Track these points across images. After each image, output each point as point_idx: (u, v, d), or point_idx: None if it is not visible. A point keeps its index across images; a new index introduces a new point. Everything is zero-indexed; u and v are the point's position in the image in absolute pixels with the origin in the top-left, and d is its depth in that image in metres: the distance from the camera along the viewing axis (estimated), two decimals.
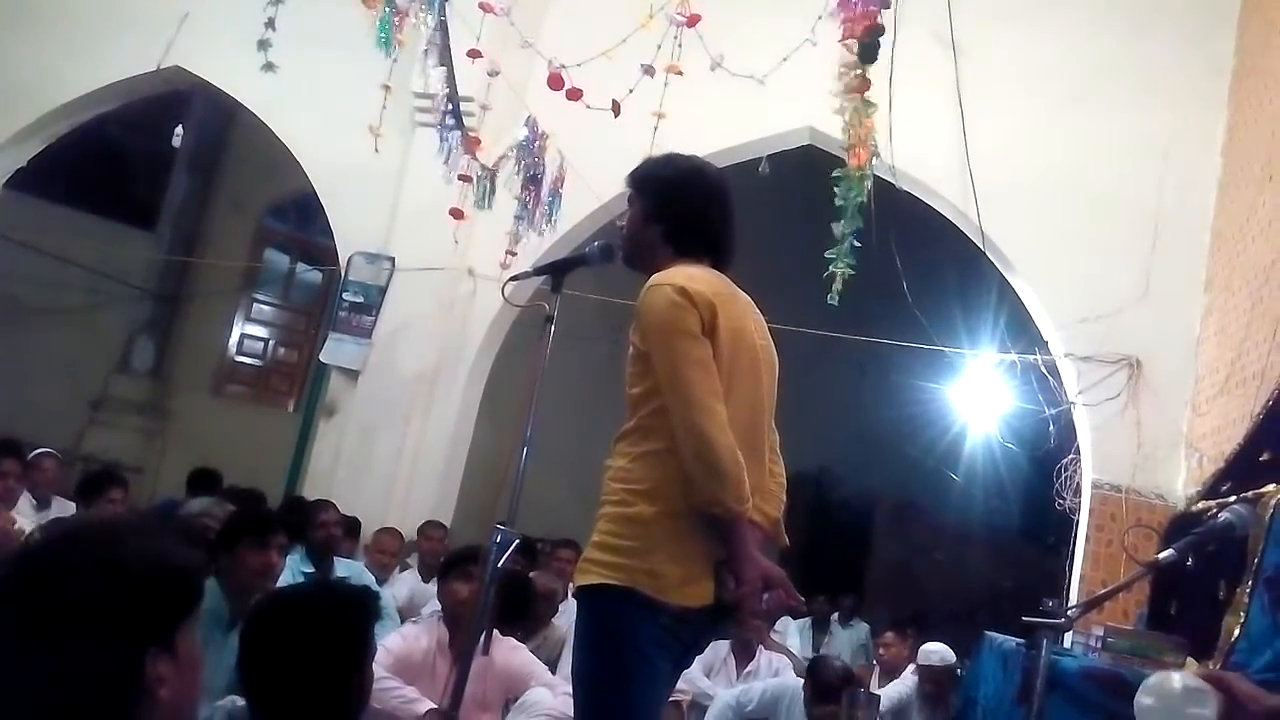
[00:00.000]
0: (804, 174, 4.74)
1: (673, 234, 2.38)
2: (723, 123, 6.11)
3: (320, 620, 2.05)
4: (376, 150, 5.50)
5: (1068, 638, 3.26)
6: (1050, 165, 5.78)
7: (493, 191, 5.98)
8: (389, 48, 5.13)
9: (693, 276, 2.26)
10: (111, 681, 1.12)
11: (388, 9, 5.05)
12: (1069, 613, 2.42)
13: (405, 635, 3.68)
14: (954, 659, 4.97)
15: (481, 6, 5.17)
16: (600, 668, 2.19)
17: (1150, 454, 5.36)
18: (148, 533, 1.24)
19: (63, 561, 1.16)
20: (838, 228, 4.37)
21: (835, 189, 4.38)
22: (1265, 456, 3.55)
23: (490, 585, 2.42)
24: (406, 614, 4.79)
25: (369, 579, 4.99)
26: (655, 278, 2.27)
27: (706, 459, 2.10)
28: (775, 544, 2.38)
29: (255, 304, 10.84)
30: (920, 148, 5.73)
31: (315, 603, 2.14)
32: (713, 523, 2.15)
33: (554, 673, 3.91)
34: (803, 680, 4.21)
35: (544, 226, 6.15)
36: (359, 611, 2.13)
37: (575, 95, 5.07)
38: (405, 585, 5.56)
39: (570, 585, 4.35)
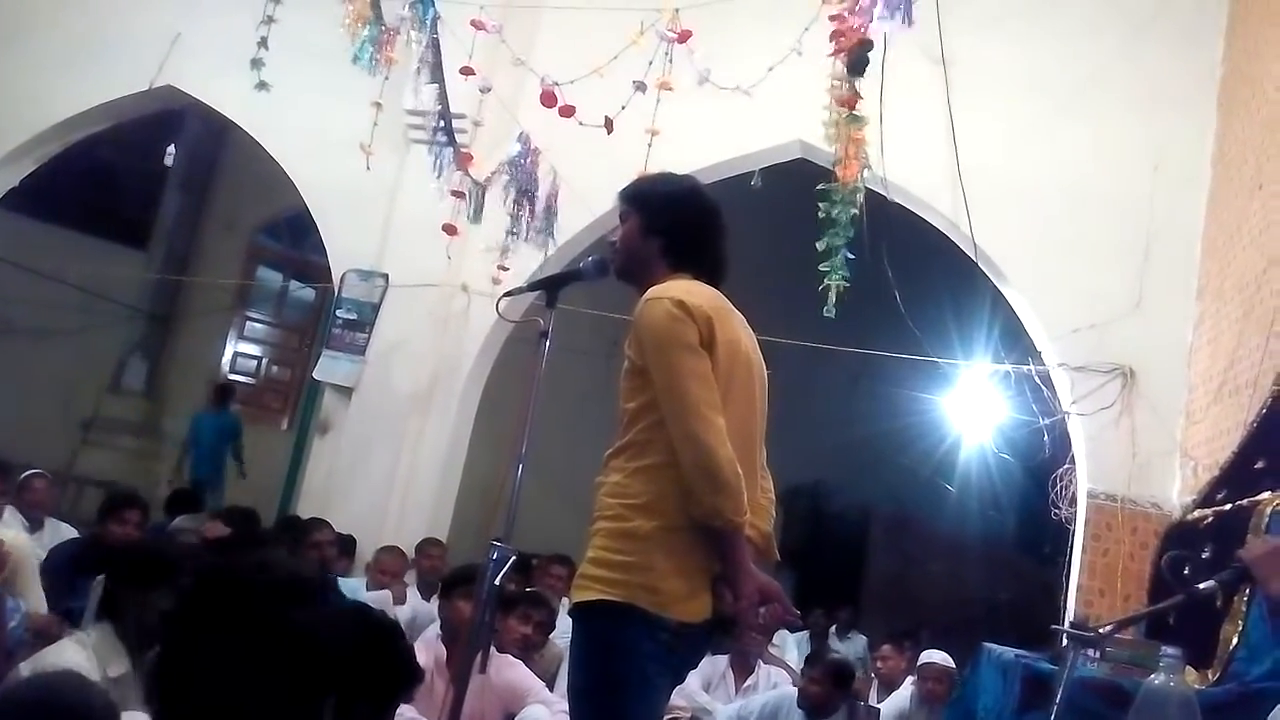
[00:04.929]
0: (796, 187, 4.76)
1: (671, 248, 2.38)
2: (715, 137, 6.14)
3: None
4: (369, 167, 5.52)
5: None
6: (1041, 176, 5.80)
7: (485, 208, 5.99)
8: (372, 66, 5.16)
9: (690, 290, 2.26)
10: (303, 704, 1.25)
11: (372, 28, 5.08)
12: (1102, 629, 2.39)
13: None
14: (954, 667, 4.95)
15: (473, 24, 5.20)
16: (598, 685, 2.18)
17: (1145, 463, 5.36)
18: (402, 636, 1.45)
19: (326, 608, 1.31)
20: (825, 239, 4.36)
21: (819, 204, 4.39)
22: (1260, 464, 3.55)
23: (488, 602, 2.41)
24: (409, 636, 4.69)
25: (367, 598, 4.97)
26: (652, 291, 2.27)
27: (707, 470, 2.09)
28: (766, 559, 2.37)
29: (248, 322, 10.84)
30: (911, 159, 5.74)
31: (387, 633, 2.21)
32: (710, 535, 2.14)
33: (551, 690, 3.90)
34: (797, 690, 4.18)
35: (538, 242, 6.16)
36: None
37: (568, 112, 5.08)
38: (408, 608, 5.38)
39: (565, 601, 4.33)
